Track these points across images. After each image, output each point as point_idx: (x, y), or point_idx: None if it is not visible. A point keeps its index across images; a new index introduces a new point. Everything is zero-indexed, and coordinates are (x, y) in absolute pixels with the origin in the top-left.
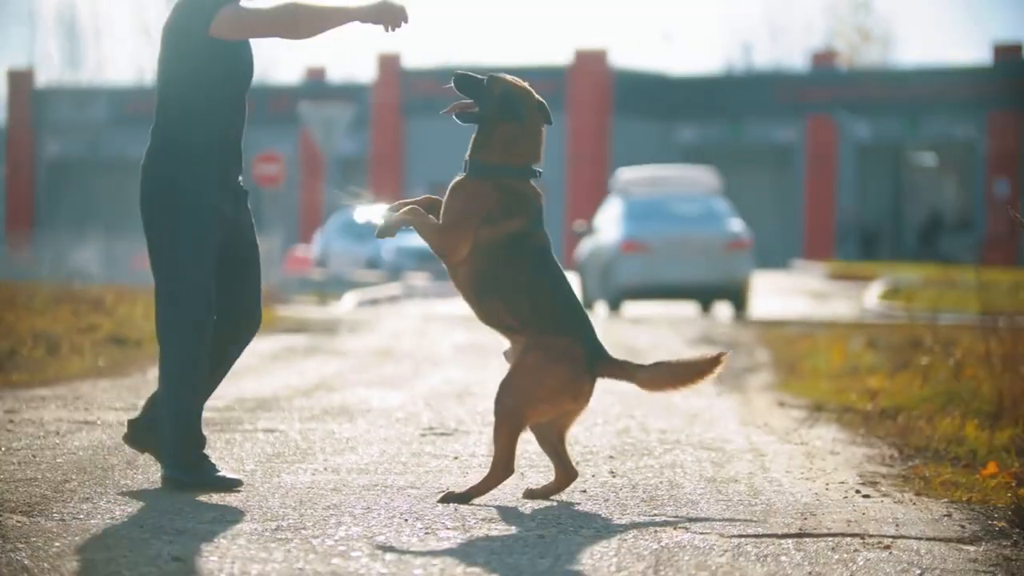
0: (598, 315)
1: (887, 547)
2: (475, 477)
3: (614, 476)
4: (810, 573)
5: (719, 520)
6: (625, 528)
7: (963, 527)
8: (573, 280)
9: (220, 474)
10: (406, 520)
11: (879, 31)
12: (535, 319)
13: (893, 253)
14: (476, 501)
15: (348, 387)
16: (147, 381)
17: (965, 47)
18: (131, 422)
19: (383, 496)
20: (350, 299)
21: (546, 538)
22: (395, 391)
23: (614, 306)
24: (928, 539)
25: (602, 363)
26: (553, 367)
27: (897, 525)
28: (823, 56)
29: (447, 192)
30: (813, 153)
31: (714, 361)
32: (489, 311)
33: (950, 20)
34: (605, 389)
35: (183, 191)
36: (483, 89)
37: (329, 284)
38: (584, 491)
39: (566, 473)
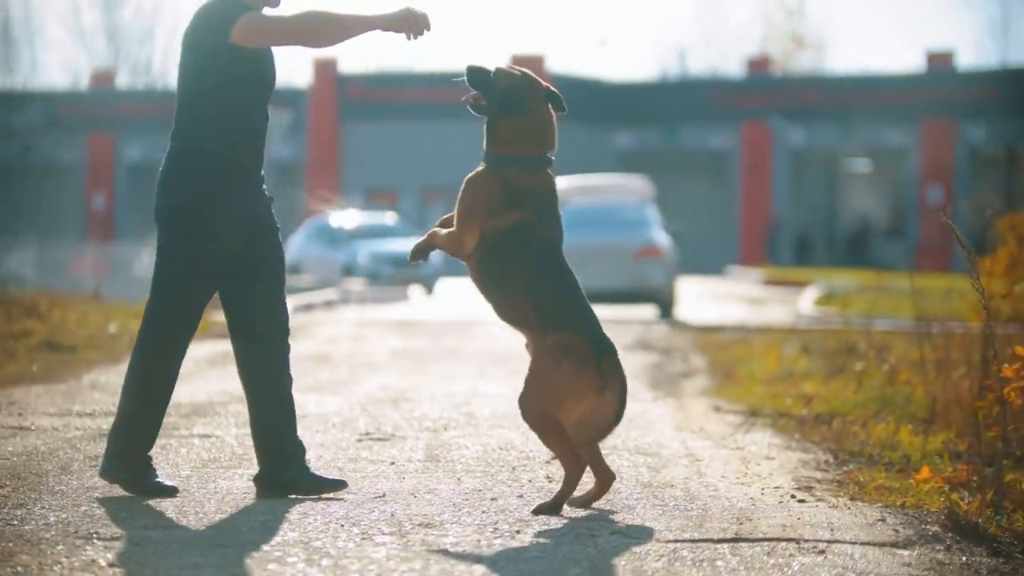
0: None
1: (822, 552)
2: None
3: (551, 481)
4: None
5: (655, 525)
6: (562, 533)
7: (897, 532)
8: None
9: (158, 480)
10: (342, 525)
11: (813, 38)
12: (538, 315)
13: (827, 259)
14: (414, 507)
15: None
16: (81, 387)
17: (898, 55)
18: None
19: (320, 502)
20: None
21: (482, 543)
22: (331, 396)
23: None
24: (862, 544)
25: (607, 359)
26: (563, 364)
27: (832, 530)
28: (758, 63)
29: (461, 188)
30: (748, 159)
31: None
32: (495, 304)
33: (883, 28)
34: None
35: (202, 198)
36: (489, 82)
37: None
38: (520, 496)
39: (603, 476)
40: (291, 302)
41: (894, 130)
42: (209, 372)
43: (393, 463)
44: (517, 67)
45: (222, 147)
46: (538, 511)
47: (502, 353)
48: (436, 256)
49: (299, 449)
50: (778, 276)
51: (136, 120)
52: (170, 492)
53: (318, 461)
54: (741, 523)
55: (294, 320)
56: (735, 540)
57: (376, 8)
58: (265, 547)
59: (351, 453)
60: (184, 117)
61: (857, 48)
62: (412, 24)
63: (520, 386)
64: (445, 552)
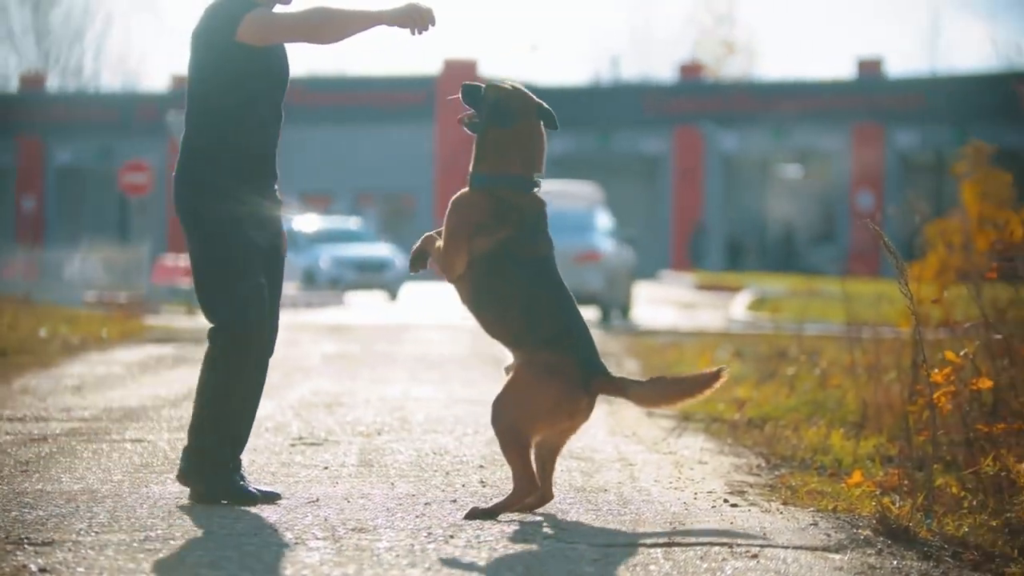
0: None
1: (755, 556)
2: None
3: (484, 486)
4: None
5: (589, 529)
6: (495, 538)
7: (829, 536)
8: None
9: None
10: (276, 530)
11: (743, 44)
12: (529, 333)
13: (759, 264)
14: (347, 512)
15: None
16: (12, 391)
17: (828, 61)
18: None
19: (253, 507)
20: None
21: (416, 548)
22: (264, 401)
23: None
24: (795, 548)
25: (597, 379)
26: (546, 384)
27: (764, 534)
28: (689, 68)
29: (448, 208)
30: (680, 164)
31: (714, 376)
32: (486, 323)
33: (814, 35)
34: (474, 400)
35: (218, 200)
36: (480, 98)
37: None
38: (454, 501)
39: (543, 492)
40: None
41: (825, 136)
42: (142, 377)
43: (326, 468)
44: (510, 83)
45: (233, 146)
46: (472, 515)
47: (435, 358)
48: (399, 261)
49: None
50: (710, 281)
51: (66, 123)
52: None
53: (251, 466)
54: (674, 527)
55: None
56: (668, 545)
57: (381, 4)
58: (198, 552)
59: (284, 458)
60: (195, 117)
61: (788, 54)
62: (417, 19)
63: (455, 390)
64: (379, 557)
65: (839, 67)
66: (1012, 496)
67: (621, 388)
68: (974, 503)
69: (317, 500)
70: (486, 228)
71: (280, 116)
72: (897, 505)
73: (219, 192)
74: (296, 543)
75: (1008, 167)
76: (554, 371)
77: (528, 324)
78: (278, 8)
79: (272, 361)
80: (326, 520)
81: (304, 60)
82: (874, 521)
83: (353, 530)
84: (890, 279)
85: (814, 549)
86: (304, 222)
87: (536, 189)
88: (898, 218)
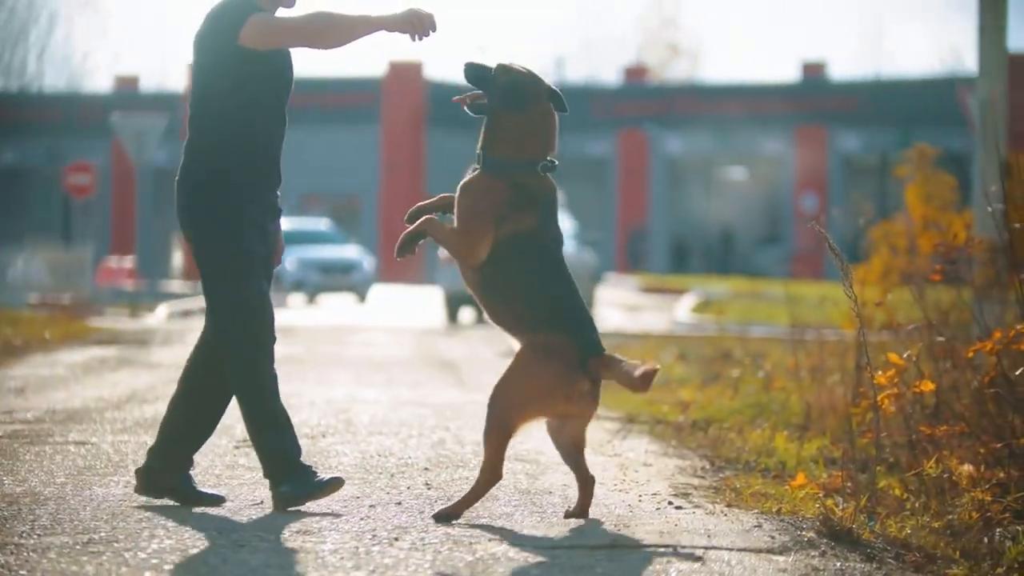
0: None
1: (699, 558)
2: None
3: (429, 488)
4: None
5: (534, 532)
6: (440, 540)
7: (773, 538)
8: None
9: (320, 478)
10: (220, 532)
11: (688, 47)
12: (530, 318)
13: (704, 266)
14: (291, 514)
15: (160, 399)
16: None
17: (773, 65)
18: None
19: (196, 509)
20: (163, 311)
21: (360, 550)
22: None
23: (452, 316)
24: (739, 550)
25: (596, 360)
26: (542, 367)
27: (709, 536)
28: (634, 71)
29: (458, 191)
30: (626, 167)
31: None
32: (491, 308)
33: (759, 38)
34: (420, 402)
35: (220, 205)
36: (489, 79)
37: (142, 295)
38: (399, 503)
39: (584, 485)
40: (167, 309)
41: (769, 138)
42: (85, 378)
43: None
44: (518, 64)
45: (236, 150)
46: (439, 517)
47: (380, 360)
48: (367, 263)
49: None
50: (655, 283)
51: (9, 124)
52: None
53: (195, 469)
54: (619, 530)
55: (169, 326)
56: (612, 547)
57: (382, 8)
58: (142, 555)
59: (228, 460)
60: (197, 120)
61: (733, 58)
62: (418, 25)
63: (400, 393)
64: (323, 559)
65: (784, 70)
66: (954, 498)
67: (620, 370)
68: (917, 505)
69: (262, 502)
70: (505, 215)
71: (284, 120)
72: (840, 507)
73: (222, 197)
74: (240, 545)
75: (951, 170)
76: (552, 353)
77: (532, 309)
78: (281, 12)
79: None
80: (270, 522)
81: None
82: (817, 523)
83: (297, 532)
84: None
85: (758, 551)
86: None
87: (552, 171)
88: (842, 220)
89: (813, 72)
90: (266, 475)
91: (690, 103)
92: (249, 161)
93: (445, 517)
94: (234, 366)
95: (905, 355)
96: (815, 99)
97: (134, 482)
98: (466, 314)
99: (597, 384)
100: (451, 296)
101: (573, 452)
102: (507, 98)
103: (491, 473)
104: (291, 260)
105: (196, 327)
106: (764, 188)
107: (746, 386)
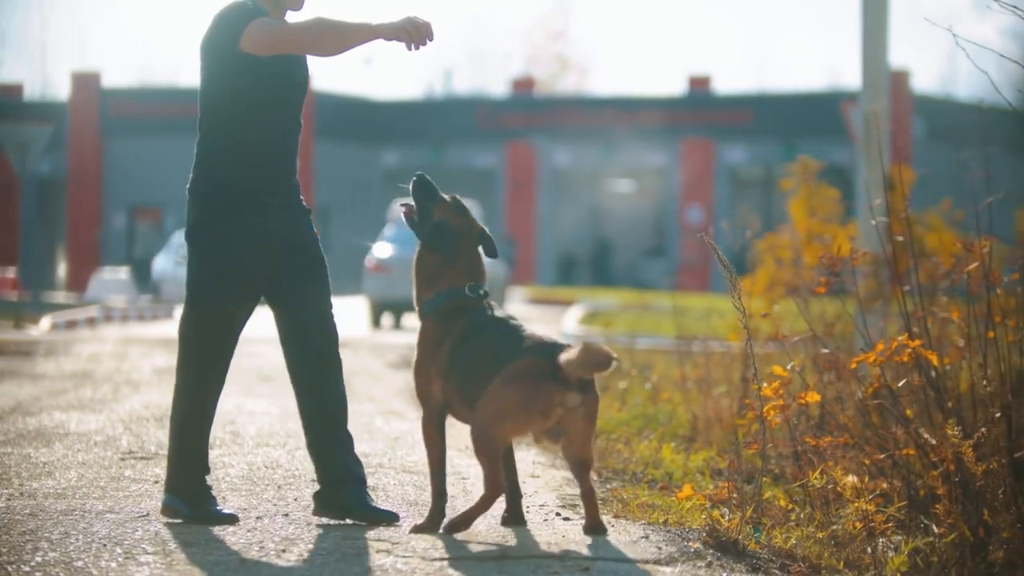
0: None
1: (586, 569)
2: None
3: None
4: None
5: (422, 543)
6: (328, 551)
7: (660, 548)
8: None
9: (219, 508)
10: (105, 545)
11: (576, 60)
12: (498, 368)
13: (591, 278)
14: (178, 526)
15: (44, 411)
16: None
17: (661, 79)
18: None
19: (82, 521)
20: (47, 322)
21: (248, 563)
22: (94, 414)
23: (375, 321)
24: (626, 561)
25: (560, 353)
26: (512, 386)
27: (596, 547)
28: (522, 83)
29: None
30: (513, 178)
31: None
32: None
33: (646, 52)
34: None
35: (224, 212)
36: (427, 209)
37: (26, 306)
38: (286, 515)
39: (585, 498)
40: (51, 320)
41: (656, 151)
42: None
43: (157, 482)
44: (461, 200)
45: (243, 154)
46: (448, 528)
47: (269, 371)
48: None
49: (356, 470)
50: (543, 295)
51: None
52: (230, 519)
53: (80, 480)
54: (507, 541)
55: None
56: (501, 558)
57: (381, 16)
58: (25, 568)
59: (114, 472)
60: (205, 126)
61: (621, 71)
62: (414, 34)
63: (288, 404)
64: (210, 571)
65: (670, 84)
66: (838, 508)
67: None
68: (802, 515)
69: (147, 514)
70: (441, 341)
71: (297, 123)
72: (726, 518)
73: (227, 203)
74: (126, 557)
75: (834, 183)
76: (521, 373)
77: (498, 365)
78: (290, 15)
79: (101, 374)
80: (156, 534)
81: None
82: (704, 534)
83: (184, 544)
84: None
85: (645, 562)
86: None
87: (483, 297)
88: (729, 233)
89: (699, 86)
90: (167, 480)
91: (577, 115)
92: (256, 164)
93: (454, 528)
94: (181, 360)
95: (790, 367)
96: (701, 112)
97: (17, 495)
98: (386, 319)
99: (588, 398)
100: (375, 303)
101: (579, 468)
102: (433, 237)
103: (494, 487)
104: None
105: (82, 338)
106: (650, 201)
107: (633, 397)
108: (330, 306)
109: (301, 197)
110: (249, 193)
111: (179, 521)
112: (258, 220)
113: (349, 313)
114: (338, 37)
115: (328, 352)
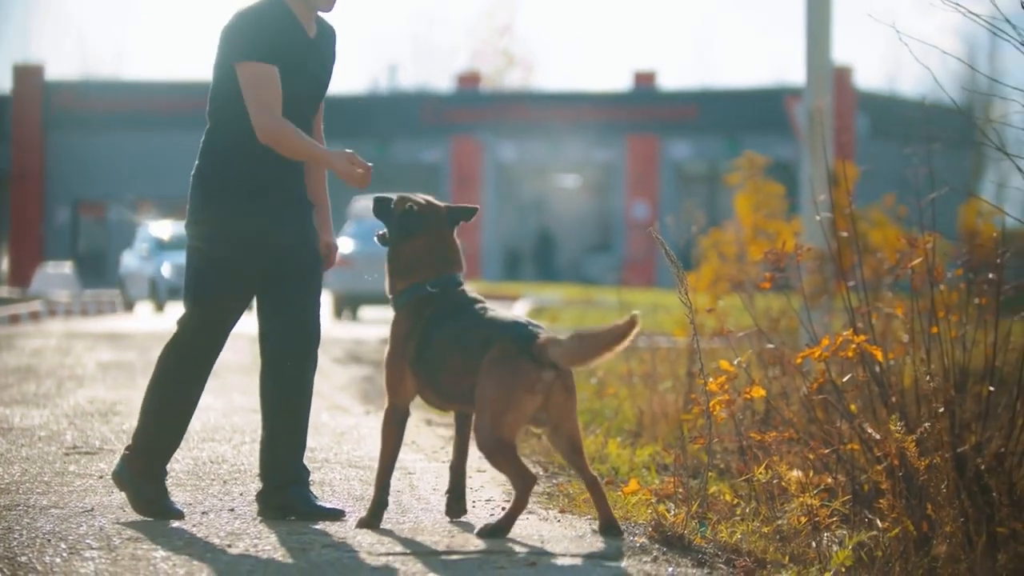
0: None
1: (532, 564)
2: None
3: None
4: None
5: (368, 539)
6: (273, 547)
7: (606, 544)
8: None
9: (168, 503)
10: (49, 540)
11: (522, 56)
12: (474, 352)
13: (537, 273)
14: (123, 521)
15: None
16: None
17: (607, 75)
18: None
19: (25, 516)
20: None
21: (194, 557)
22: (37, 409)
23: (337, 313)
24: (572, 555)
25: (538, 345)
26: (492, 377)
27: (542, 542)
28: (467, 78)
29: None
30: (458, 174)
31: (629, 325)
32: (450, 391)
33: (592, 48)
34: (253, 409)
35: (227, 206)
36: (389, 212)
37: None
38: (232, 510)
39: (591, 488)
40: None
41: (601, 147)
42: None
43: (101, 477)
44: (420, 195)
45: (249, 154)
46: (483, 533)
47: (216, 366)
48: None
49: (301, 473)
50: (488, 290)
51: None
52: (176, 514)
53: (24, 476)
54: (452, 536)
55: None
56: (447, 553)
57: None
58: None
59: (58, 467)
60: (213, 117)
61: (566, 67)
62: (352, 176)
63: (233, 399)
64: (155, 567)
65: (616, 80)
66: (783, 503)
67: (555, 350)
68: (747, 510)
69: (92, 509)
70: (412, 334)
71: (307, 118)
72: (672, 513)
73: (232, 200)
74: (71, 553)
75: (779, 179)
76: (494, 363)
77: (472, 347)
78: (321, 14)
79: (45, 369)
80: (101, 530)
81: (79, 63)
82: (650, 529)
83: (129, 539)
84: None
85: (591, 557)
86: (160, 228)
87: (459, 287)
88: (674, 228)
89: (644, 81)
90: (127, 450)
91: (523, 111)
92: (260, 163)
93: (491, 533)
94: (169, 347)
95: (735, 362)
96: (646, 108)
97: None
98: (346, 313)
99: (561, 372)
100: (338, 296)
101: (572, 455)
102: (402, 228)
103: (525, 480)
104: (167, 266)
105: (26, 332)
106: (596, 196)
107: (579, 392)
108: (317, 306)
109: (305, 191)
110: (254, 192)
111: (126, 516)
112: (262, 219)
113: None
114: (289, 146)
115: (304, 354)
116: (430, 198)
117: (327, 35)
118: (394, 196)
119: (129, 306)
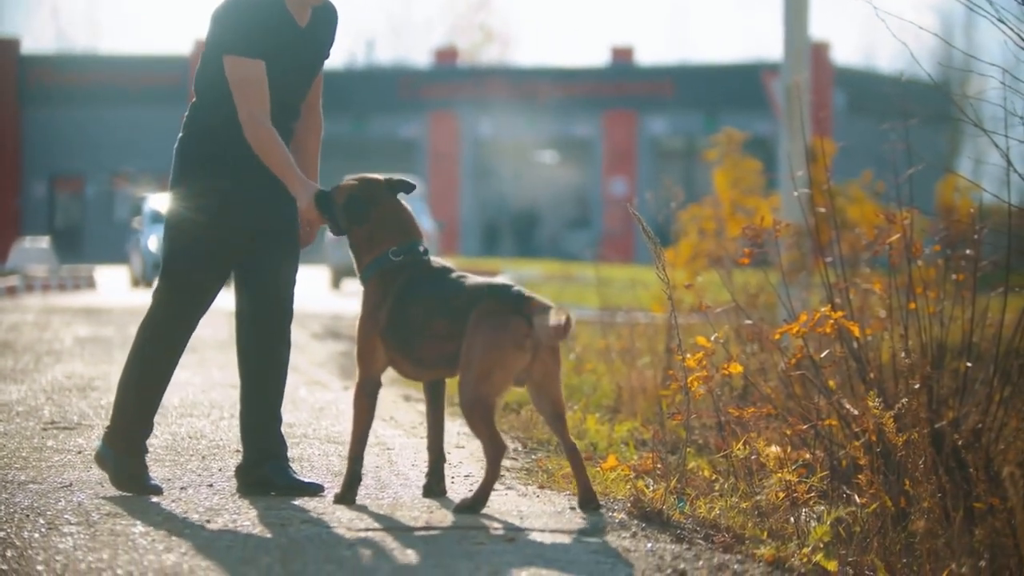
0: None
1: (511, 539)
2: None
3: None
4: (436, 565)
5: (347, 514)
6: (253, 522)
7: (585, 519)
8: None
9: (147, 479)
10: (28, 516)
11: (499, 31)
12: (459, 307)
13: (515, 249)
14: (102, 497)
15: None
16: None
17: (585, 50)
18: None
19: (3, 492)
20: None
21: (172, 532)
22: (15, 384)
23: (335, 284)
24: (551, 531)
25: (528, 305)
26: (481, 333)
27: (521, 518)
28: (445, 53)
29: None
30: (436, 149)
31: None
32: (426, 356)
33: (570, 23)
34: (231, 384)
35: (209, 180)
36: (332, 203)
37: None
38: (211, 485)
39: (571, 457)
40: None
41: (579, 122)
42: None
43: (80, 452)
44: (351, 177)
45: (235, 132)
46: (460, 508)
47: (194, 341)
48: None
49: (279, 447)
50: (467, 265)
51: None
52: (155, 490)
53: (1, 451)
54: (432, 511)
55: None
56: (426, 528)
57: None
58: None
59: (36, 442)
60: (200, 92)
61: (544, 42)
62: (304, 217)
63: (212, 374)
64: (134, 542)
65: (593, 55)
66: (762, 479)
67: (542, 317)
68: (725, 486)
69: (71, 485)
70: (382, 302)
71: (294, 108)
72: (651, 488)
73: (213, 175)
74: (49, 528)
75: (756, 155)
76: (479, 320)
77: (454, 319)
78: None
79: (22, 344)
80: (80, 505)
81: (54, 38)
82: (628, 504)
83: (107, 515)
84: (643, 265)
85: (570, 532)
86: (157, 201)
87: (425, 255)
88: (652, 204)
89: (622, 57)
90: (107, 430)
91: (500, 86)
92: (236, 138)
93: (468, 508)
94: (146, 321)
95: (713, 337)
96: (624, 83)
97: None
98: (348, 285)
99: (548, 331)
100: (337, 269)
101: (554, 420)
102: (349, 214)
103: (493, 448)
104: (153, 240)
105: (1, 308)
106: (574, 172)
107: None
108: (292, 284)
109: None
110: (234, 168)
111: (104, 491)
112: (238, 195)
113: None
114: (269, 156)
115: (279, 330)
116: (364, 175)
117: (323, 20)
118: (330, 189)
119: (136, 283)
